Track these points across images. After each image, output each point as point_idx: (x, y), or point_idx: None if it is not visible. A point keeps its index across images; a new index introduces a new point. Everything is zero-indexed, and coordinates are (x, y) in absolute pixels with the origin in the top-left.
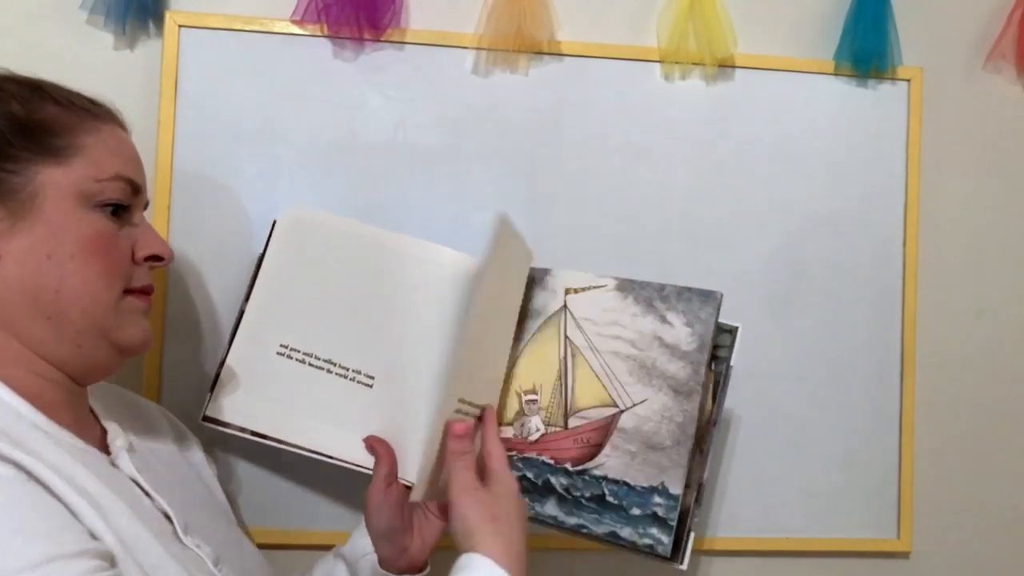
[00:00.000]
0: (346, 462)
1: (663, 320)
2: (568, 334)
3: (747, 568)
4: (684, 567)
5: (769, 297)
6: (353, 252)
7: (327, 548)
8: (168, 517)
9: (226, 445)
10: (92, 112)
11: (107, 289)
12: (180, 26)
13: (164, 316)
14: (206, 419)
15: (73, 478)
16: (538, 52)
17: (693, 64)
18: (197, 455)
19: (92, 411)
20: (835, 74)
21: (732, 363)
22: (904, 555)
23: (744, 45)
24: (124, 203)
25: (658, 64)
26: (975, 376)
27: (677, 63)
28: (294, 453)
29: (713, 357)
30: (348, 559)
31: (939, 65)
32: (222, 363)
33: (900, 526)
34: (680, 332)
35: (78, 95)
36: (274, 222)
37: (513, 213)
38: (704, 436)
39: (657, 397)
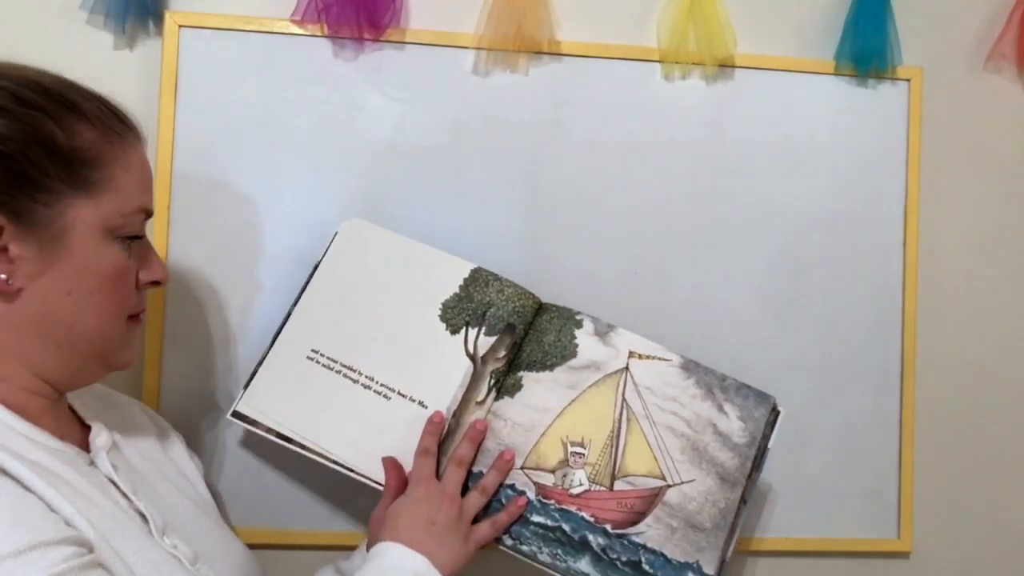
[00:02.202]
0: (357, 474)
1: (720, 409)
2: (626, 396)
3: (747, 568)
4: None
5: (769, 297)
6: (391, 263)
7: (321, 549)
8: (144, 517)
9: (222, 443)
10: (121, 135)
11: (117, 322)
12: (180, 26)
13: (164, 317)
14: (235, 415)
15: (48, 471)
16: (538, 52)
17: (693, 64)
18: (179, 451)
19: (73, 410)
20: (835, 74)
21: (770, 445)
22: (904, 555)
23: (744, 45)
24: (141, 235)
25: (658, 64)
26: (975, 377)
27: (677, 63)
28: (309, 459)
29: None
30: None
31: (939, 65)
32: (259, 363)
33: (900, 526)
34: (734, 424)
35: (107, 108)
36: (335, 233)
37: (513, 213)
38: (735, 514)
39: (704, 480)
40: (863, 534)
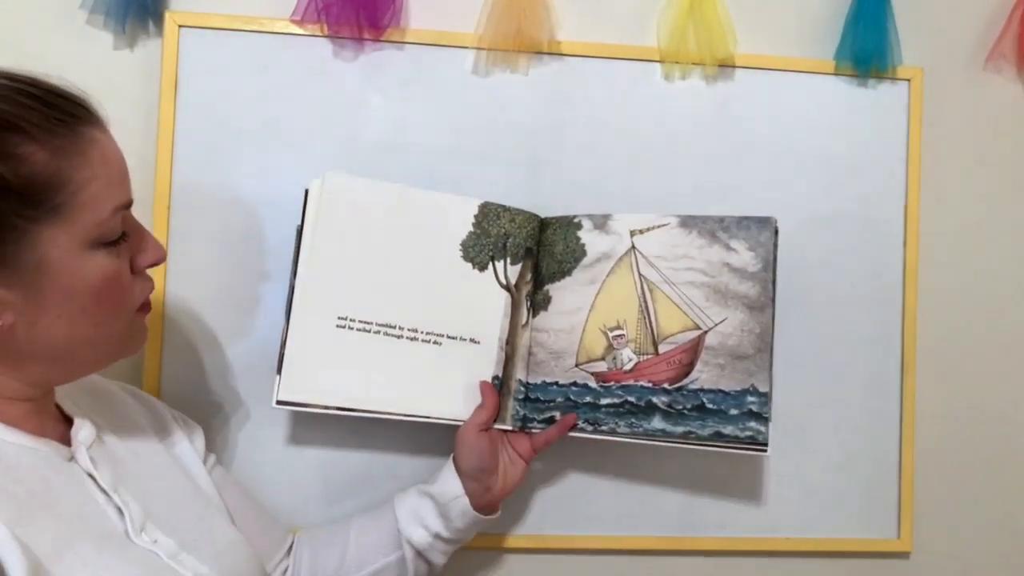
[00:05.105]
0: (434, 419)
1: (728, 248)
2: (642, 272)
3: (747, 568)
4: (768, 452)
5: None
6: (390, 213)
7: None
8: (121, 513)
9: (223, 443)
10: (74, 139)
11: (117, 323)
12: (180, 26)
13: (164, 317)
14: (280, 403)
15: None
16: (538, 52)
17: (693, 64)
18: (175, 433)
19: (58, 406)
20: (835, 74)
21: (776, 254)
22: (904, 555)
23: (744, 45)
24: (123, 235)
25: (658, 64)
26: (975, 376)
27: (677, 63)
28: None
29: None
30: (438, 499)
31: (939, 65)
32: (283, 344)
33: (900, 526)
34: (745, 256)
35: (49, 112)
36: (306, 192)
37: None
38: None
39: (734, 315)
40: (863, 534)
